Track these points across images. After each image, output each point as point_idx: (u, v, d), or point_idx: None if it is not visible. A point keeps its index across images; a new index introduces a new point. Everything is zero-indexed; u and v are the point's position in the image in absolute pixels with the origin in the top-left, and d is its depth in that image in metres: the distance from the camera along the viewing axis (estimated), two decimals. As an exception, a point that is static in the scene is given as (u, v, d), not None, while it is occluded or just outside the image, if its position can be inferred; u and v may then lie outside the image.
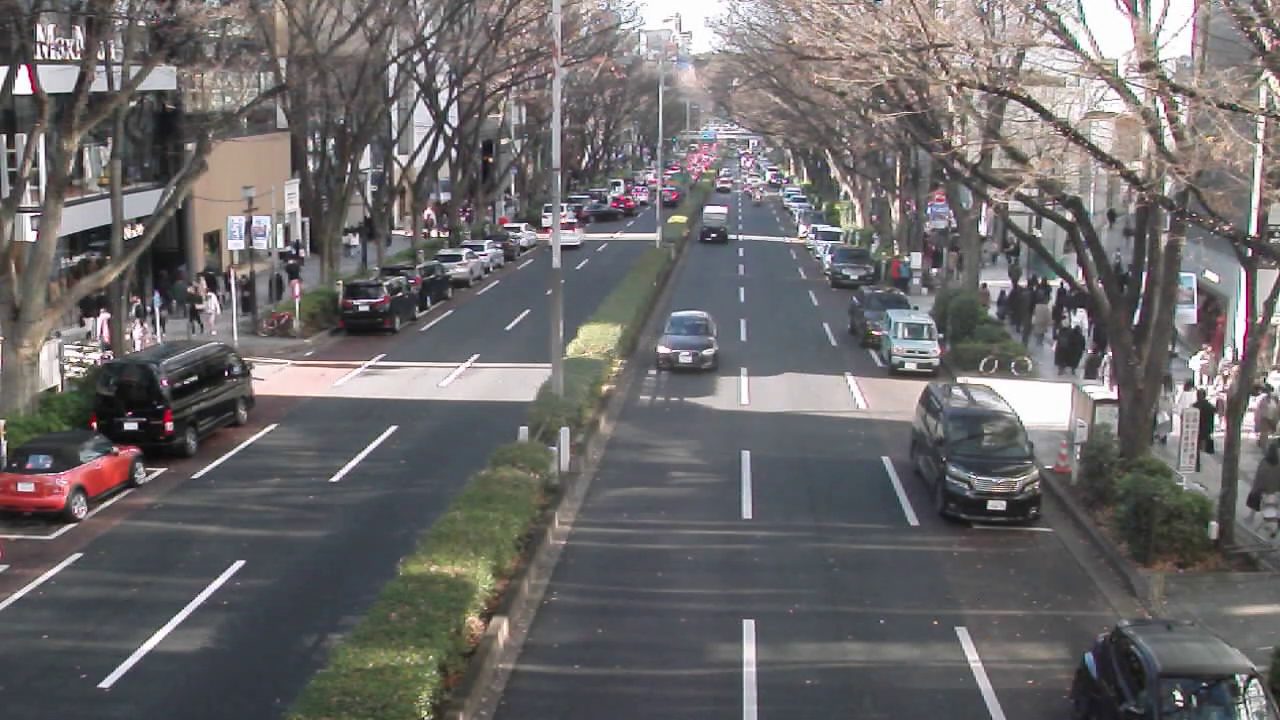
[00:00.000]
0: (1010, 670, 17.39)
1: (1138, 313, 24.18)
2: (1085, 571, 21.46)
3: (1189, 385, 29.14)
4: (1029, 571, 21.42)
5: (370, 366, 37.31)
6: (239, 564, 20.87)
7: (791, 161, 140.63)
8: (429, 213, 68.82)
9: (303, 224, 57.13)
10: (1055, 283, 43.09)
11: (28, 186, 29.29)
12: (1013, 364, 36.18)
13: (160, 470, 26.08)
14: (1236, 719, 13.98)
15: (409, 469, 26.75)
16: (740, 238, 79.86)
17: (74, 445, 23.69)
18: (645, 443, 29.43)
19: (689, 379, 35.90)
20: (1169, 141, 19.04)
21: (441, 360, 38.14)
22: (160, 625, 18.33)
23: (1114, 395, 25.58)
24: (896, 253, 56.59)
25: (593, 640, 18.26)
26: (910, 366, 36.67)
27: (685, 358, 36.71)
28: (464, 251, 56.63)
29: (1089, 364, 35.09)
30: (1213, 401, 28.42)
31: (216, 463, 26.92)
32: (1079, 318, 41.33)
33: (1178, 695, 14.12)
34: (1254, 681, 14.31)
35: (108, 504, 23.89)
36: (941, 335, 38.69)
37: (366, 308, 42.17)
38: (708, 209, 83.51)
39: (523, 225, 71.67)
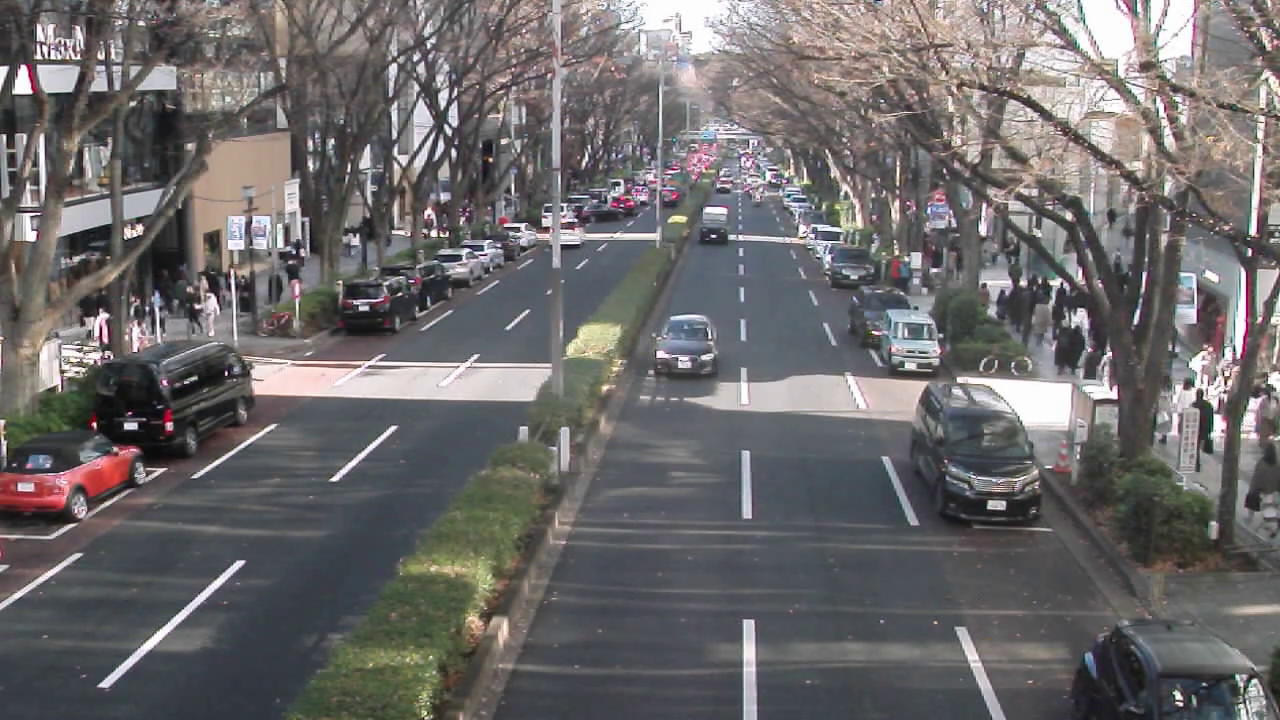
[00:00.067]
0: (1010, 670, 17.39)
1: (1138, 313, 24.17)
2: (1085, 571, 21.46)
3: (1188, 385, 29.13)
4: (1029, 571, 21.42)
5: (370, 366, 37.31)
6: (239, 564, 20.88)
7: (791, 161, 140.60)
8: (429, 213, 68.76)
9: (303, 224, 57.10)
10: (1055, 283, 43.11)
11: (28, 186, 29.30)
12: (1013, 364, 36.17)
13: (160, 470, 26.08)
14: (1236, 719, 13.98)
15: (409, 469, 26.75)
16: (740, 238, 79.79)
17: (74, 445, 23.69)
18: (645, 443, 29.43)
19: (689, 380, 35.85)
20: (1169, 141, 19.04)
21: (441, 360, 38.13)
22: (160, 625, 18.33)
23: (1114, 395, 25.57)
24: (896, 253, 56.58)
25: (593, 640, 18.26)
26: (910, 366, 36.66)
27: (684, 363, 36.08)
28: (464, 251, 56.60)
29: (1089, 364, 35.08)
30: (1212, 402, 28.43)
31: (216, 463, 26.93)
32: (1079, 318, 41.28)
33: (1178, 695, 14.12)
34: (1254, 681, 14.31)
35: (108, 504, 23.89)
36: (941, 335, 38.66)
37: (366, 308, 42.17)
38: (708, 209, 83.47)
39: (523, 225, 71.64)
